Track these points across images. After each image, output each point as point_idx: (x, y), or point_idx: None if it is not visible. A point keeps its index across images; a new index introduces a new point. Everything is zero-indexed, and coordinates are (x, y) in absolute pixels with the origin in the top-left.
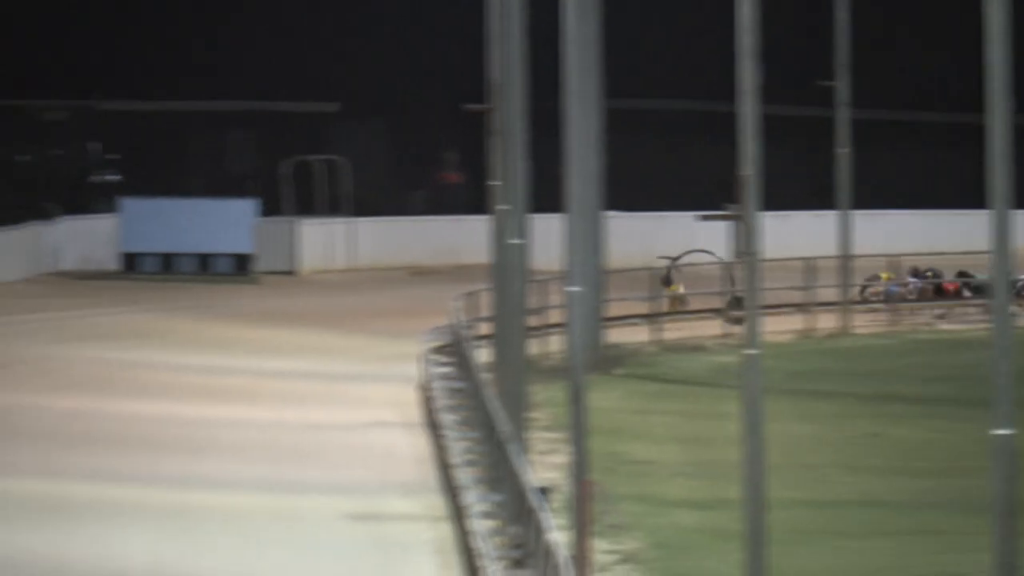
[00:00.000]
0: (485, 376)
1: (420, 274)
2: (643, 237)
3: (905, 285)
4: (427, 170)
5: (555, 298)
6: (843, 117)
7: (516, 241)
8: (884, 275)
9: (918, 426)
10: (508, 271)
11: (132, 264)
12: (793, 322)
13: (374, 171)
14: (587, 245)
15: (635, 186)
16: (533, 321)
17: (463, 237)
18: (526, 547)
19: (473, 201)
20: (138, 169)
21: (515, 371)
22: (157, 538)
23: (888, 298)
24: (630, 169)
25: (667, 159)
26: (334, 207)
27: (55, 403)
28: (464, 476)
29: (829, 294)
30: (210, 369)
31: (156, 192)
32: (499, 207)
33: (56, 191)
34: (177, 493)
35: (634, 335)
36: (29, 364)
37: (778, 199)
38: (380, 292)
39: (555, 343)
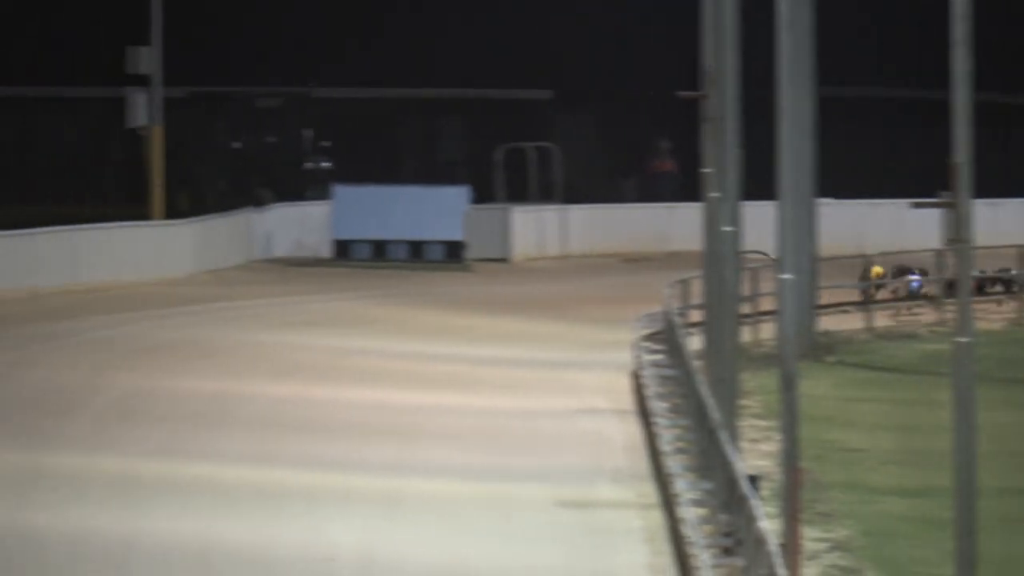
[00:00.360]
0: (696, 363)
1: (632, 261)
2: (854, 225)
3: None
4: (639, 158)
5: (767, 285)
6: None
7: (728, 229)
8: None
9: None
10: (720, 258)
11: (344, 251)
12: (1005, 309)
13: (585, 159)
14: (799, 232)
15: (847, 173)
16: (745, 308)
17: (675, 225)
18: (736, 535)
19: (685, 189)
20: (350, 156)
21: (726, 358)
22: (366, 525)
23: None
24: (842, 156)
25: (879, 146)
26: (546, 194)
27: (266, 390)
28: (674, 464)
29: None
30: (421, 356)
31: (368, 179)
32: (711, 195)
33: (270, 178)
34: (387, 480)
35: (846, 322)
36: (240, 351)
37: (990, 187)
38: (592, 279)
39: (767, 330)
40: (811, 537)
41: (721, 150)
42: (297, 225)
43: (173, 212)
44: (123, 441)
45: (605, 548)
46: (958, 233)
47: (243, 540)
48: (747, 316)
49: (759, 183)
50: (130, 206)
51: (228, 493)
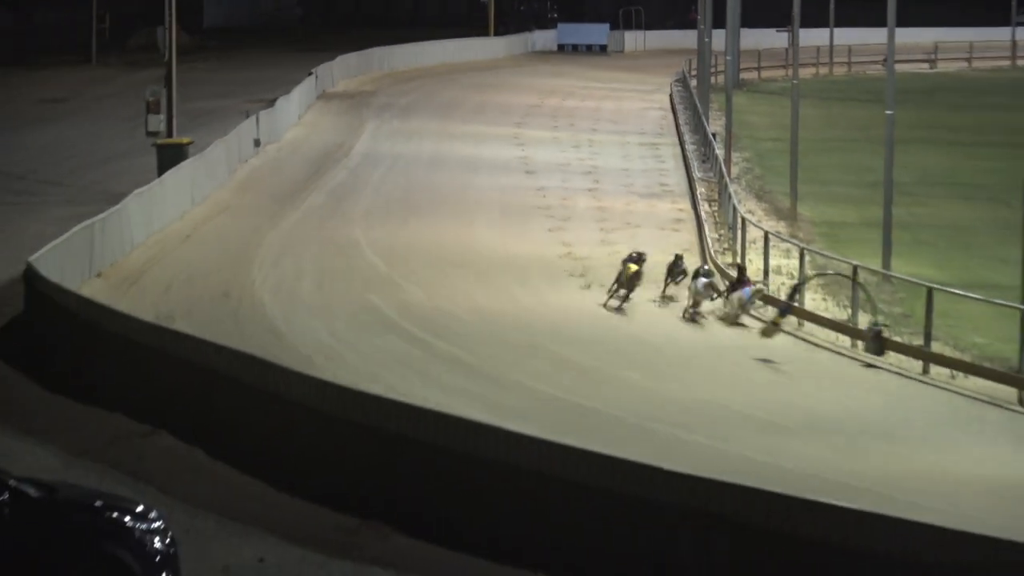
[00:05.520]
0: (693, 87)
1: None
2: None
3: None
4: None
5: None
6: None
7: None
8: None
9: None
10: (703, 50)
11: (562, 48)
12: None
13: None
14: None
15: None
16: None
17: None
18: (705, 154)
19: None
20: None
21: (705, 87)
22: (508, 149)
23: None
24: None
25: None
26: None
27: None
28: (685, 129)
29: None
30: (576, 83)
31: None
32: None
33: None
34: (515, 130)
35: (767, 73)
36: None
37: None
38: (659, 59)
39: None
40: (741, 160)
41: None
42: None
43: None
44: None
45: (658, 159)
46: None
47: (463, 152)
48: (715, 70)
49: None
50: None
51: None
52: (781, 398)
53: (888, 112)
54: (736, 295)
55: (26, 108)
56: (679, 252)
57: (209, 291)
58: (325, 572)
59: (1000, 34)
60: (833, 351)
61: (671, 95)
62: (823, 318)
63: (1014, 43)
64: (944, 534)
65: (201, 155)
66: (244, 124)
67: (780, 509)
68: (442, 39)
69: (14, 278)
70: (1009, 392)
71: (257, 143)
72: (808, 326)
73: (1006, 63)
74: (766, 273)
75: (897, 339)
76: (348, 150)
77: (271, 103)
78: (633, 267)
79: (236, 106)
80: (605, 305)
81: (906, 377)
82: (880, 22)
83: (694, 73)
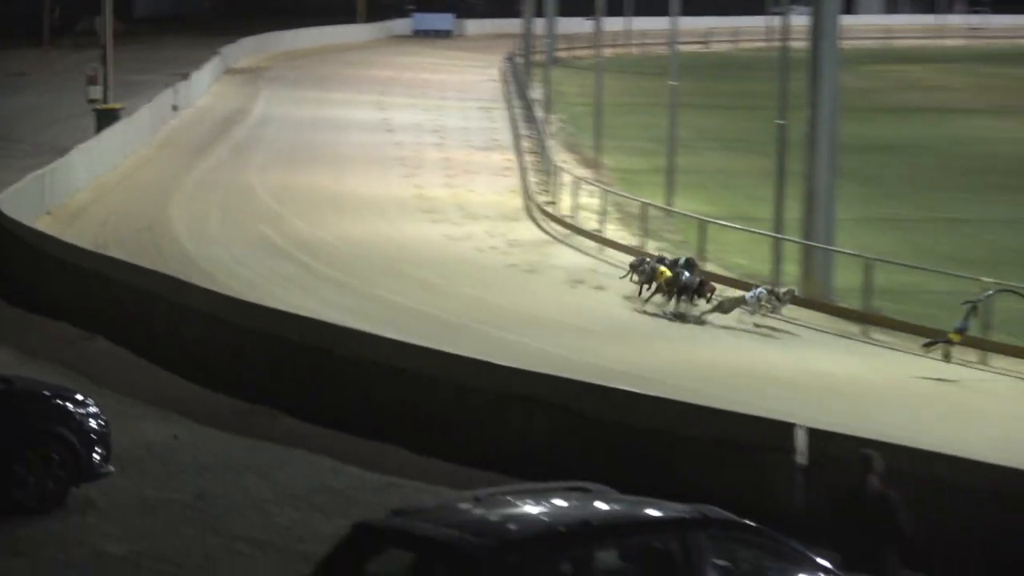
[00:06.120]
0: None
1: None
2: None
3: None
4: None
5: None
6: None
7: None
8: None
9: None
10: (528, 34)
11: (424, 34)
12: None
13: None
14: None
15: None
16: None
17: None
18: (530, 119)
19: None
20: None
21: (530, 64)
22: (377, 110)
23: None
24: None
25: None
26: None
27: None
28: (513, 96)
29: None
30: (419, 60)
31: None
32: None
33: None
34: (380, 97)
35: (578, 53)
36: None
37: None
38: (491, 42)
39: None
40: (556, 120)
41: None
42: None
43: None
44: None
45: (491, 120)
46: None
47: (337, 115)
48: (537, 50)
49: None
50: None
51: (335, 103)
52: (588, 308)
53: (672, 83)
54: (752, 296)
55: None
56: (661, 255)
57: (136, 225)
58: (227, 446)
59: (759, 21)
60: None
61: (502, 70)
62: (621, 244)
63: (775, 28)
64: (700, 410)
65: (131, 118)
66: (165, 93)
67: (583, 393)
68: (321, 25)
69: None
70: None
71: (175, 108)
72: (608, 251)
73: (764, 44)
74: (574, 209)
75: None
76: (247, 114)
77: (187, 77)
78: (665, 270)
79: (159, 79)
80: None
81: None
82: (665, 11)
83: (521, 53)
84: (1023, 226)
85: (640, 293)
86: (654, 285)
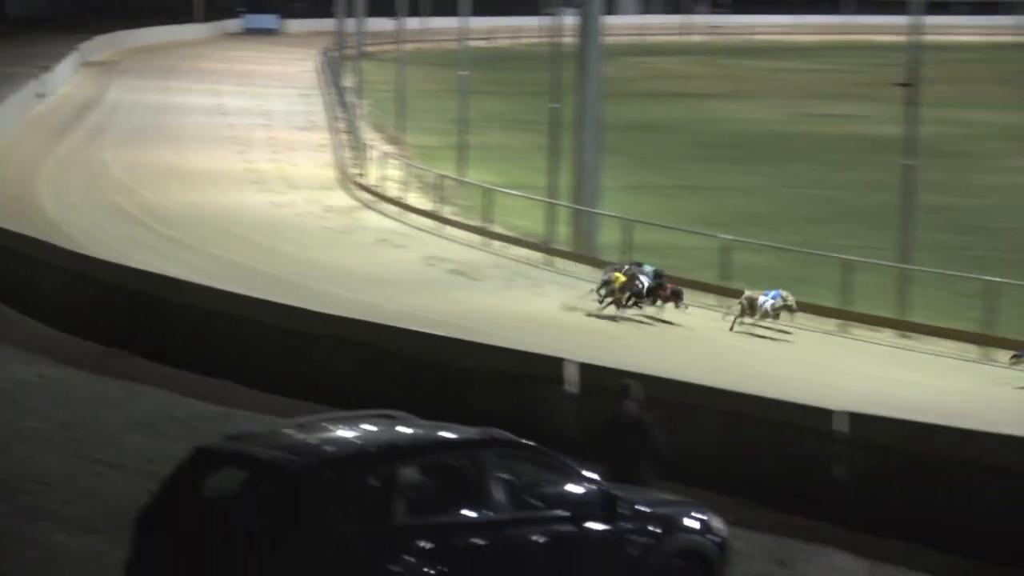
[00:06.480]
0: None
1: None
2: None
3: None
4: None
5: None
6: None
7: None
8: None
9: None
10: (342, 32)
11: (251, 30)
12: None
13: None
14: None
15: None
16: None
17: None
18: (345, 106)
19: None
20: None
21: (345, 55)
22: (216, 98)
23: None
24: None
25: None
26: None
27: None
28: (326, 85)
29: None
30: (245, 55)
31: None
32: None
33: None
34: (214, 86)
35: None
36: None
37: None
38: (311, 39)
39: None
40: (365, 105)
41: None
42: None
43: None
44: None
45: (310, 104)
46: None
47: (178, 101)
48: (349, 46)
49: None
50: None
51: (177, 91)
52: (391, 264)
53: (462, 73)
54: (766, 304)
55: None
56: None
57: (7, 196)
58: (86, 383)
59: (535, 21)
60: (428, 231)
61: (319, 63)
62: (420, 209)
63: (549, 27)
64: (487, 348)
65: (2, 104)
66: (31, 83)
67: (388, 334)
68: (166, 24)
69: None
70: (539, 257)
71: (40, 96)
72: (409, 215)
73: (539, 40)
74: (381, 179)
75: (466, 222)
76: (101, 101)
77: (50, 69)
78: (620, 276)
79: (27, 72)
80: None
81: (474, 248)
82: (455, 12)
83: (335, 48)
84: (755, 192)
85: (617, 306)
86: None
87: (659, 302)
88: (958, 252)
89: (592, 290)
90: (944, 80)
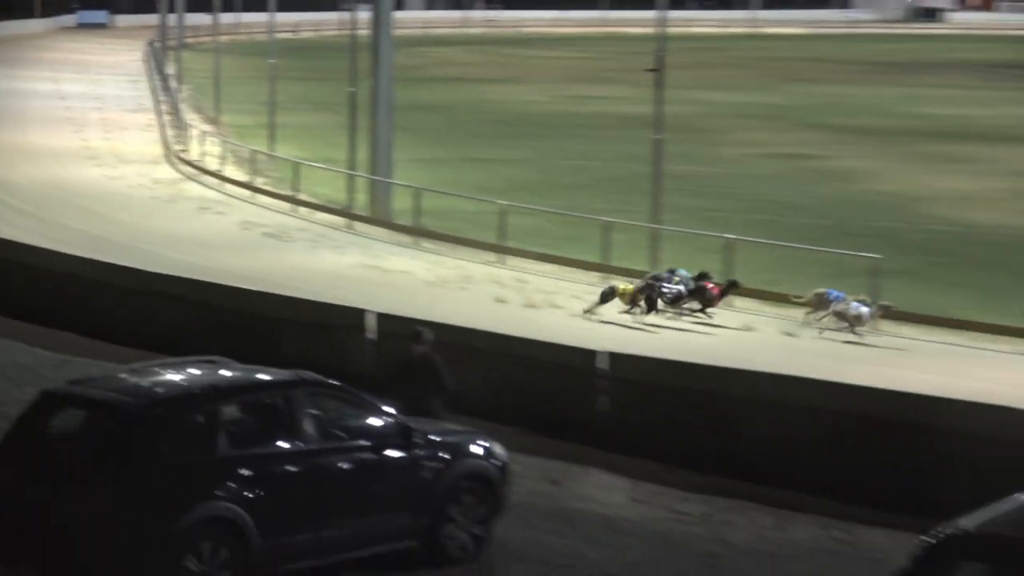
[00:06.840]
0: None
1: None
2: None
3: None
4: None
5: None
6: None
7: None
8: None
9: None
10: (159, 34)
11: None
12: None
13: None
14: None
15: None
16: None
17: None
18: (169, 94)
19: None
20: None
21: (169, 47)
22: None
23: None
24: None
25: None
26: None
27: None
28: (153, 74)
29: None
30: (85, 47)
31: None
32: None
33: None
34: (54, 73)
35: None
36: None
37: None
38: (141, 33)
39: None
40: (186, 90)
41: None
42: None
43: None
44: None
45: (138, 89)
46: None
47: (22, 87)
48: (173, 38)
49: None
50: None
51: (20, 78)
52: (211, 229)
53: (271, 61)
54: (853, 313)
55: None
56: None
57: None
58: None
59: (335, 15)
60: (243, 200)
61: (145, 53)
62: (236, 180)
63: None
64: (296, 300)
65: None
66: None
67: (208, 289)
68: (5, 20)
69: None
70: (341, 221)
71: None
72: (227, 186)
73: (338, 32)
74: (201, 155)
75: (277, 191)
76: None
77: None
78: (627, 287)
79: None
80: (588, 314)
81: (284, 214)
82: (265, 8)
83: (159, 40)
84: (526, 163)
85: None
86: (643, 303)
87: (706, 307)
88: (701, 214)
89: (589, 309)
90: (686, 66)
